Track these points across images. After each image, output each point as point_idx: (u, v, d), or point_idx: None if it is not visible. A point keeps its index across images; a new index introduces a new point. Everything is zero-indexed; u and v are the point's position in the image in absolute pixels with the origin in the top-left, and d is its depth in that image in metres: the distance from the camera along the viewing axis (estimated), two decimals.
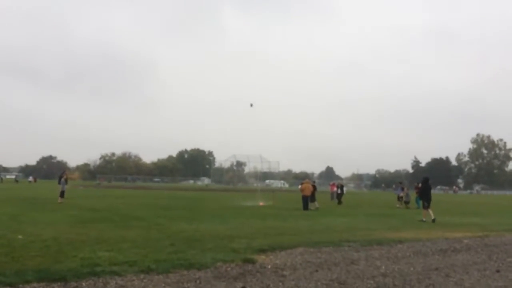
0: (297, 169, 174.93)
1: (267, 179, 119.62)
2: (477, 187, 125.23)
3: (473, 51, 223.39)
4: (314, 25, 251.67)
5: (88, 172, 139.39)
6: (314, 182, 31.34)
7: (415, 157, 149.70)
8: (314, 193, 27.51)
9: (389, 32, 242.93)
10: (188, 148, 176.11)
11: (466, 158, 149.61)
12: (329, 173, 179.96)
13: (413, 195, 33.35)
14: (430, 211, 19.57)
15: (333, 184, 42.67)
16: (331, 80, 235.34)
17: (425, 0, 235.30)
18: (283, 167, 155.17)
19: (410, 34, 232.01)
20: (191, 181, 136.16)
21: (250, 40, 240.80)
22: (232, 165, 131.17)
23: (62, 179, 27.77)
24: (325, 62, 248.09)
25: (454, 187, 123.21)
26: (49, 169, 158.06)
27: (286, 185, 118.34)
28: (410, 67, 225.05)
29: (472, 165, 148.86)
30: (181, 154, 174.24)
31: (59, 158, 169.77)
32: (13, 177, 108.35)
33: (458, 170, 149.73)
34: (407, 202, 32.43)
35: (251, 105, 33.23)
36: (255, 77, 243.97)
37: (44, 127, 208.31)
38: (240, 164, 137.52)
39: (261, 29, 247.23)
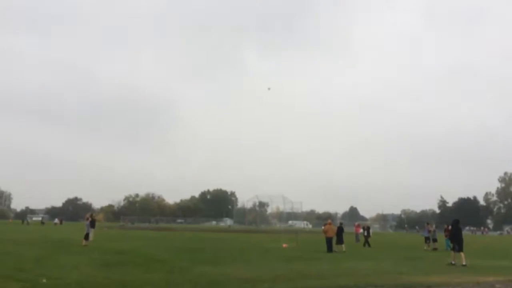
0: (320, 209, 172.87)
1: (290, 219, 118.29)
2: (507, 228, 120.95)
3: (495, 89, 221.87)
4: (335, 65, 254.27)
5: (112, 214, 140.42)
6: (341, 223, 30.71)
7: (442, 197, 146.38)
8: (342, 235, 26.94)
9: (410, 71, 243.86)
10: (211, 189, 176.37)
11: (494, 198, 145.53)
12: (353, 213, 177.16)
13: (440, 236, 32.44)
14: (462, 254, 18.89)
15: (358, 226, 41.79)
16: (353, 119, 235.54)
17: (446, 39, 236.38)
18: (306, 207, 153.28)
19: (431, 72, 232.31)
20: (214, 222, 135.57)
21: (270, 81, 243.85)
22: (254, 205, 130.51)
23: (87, 222, 28.00)
24: (346, 102, 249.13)
25: (482, 228, 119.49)
26: (74, 211, 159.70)
27: (310, 226, 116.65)
28: (431, 105, 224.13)
29: (501, 204, 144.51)
30: (203, 194, 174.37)
31: (84, 199, 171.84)
32: (39, 219, 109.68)
33: (486, 210, 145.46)
34: (434, 240, 31.56)
35: (269, 88, 33.58)
36: (276, 117, 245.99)
37: (70, 169, 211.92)
38: (262, 205, 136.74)
39: (281, 70, 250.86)
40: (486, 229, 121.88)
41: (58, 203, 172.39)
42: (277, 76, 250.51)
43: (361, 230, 37.42)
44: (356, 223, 48.92)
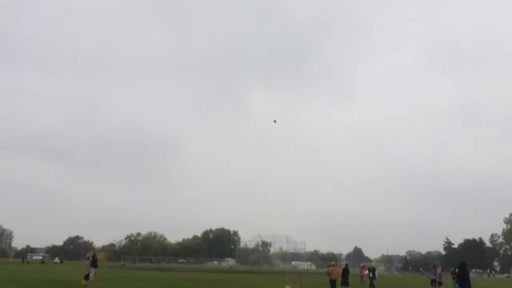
0: (324, 250, 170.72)
1: (293, 260, 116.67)
2: None
3: (499, 130, 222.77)
4: (337, 104, 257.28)
5: (113, 253, 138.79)
6: (346, 264, 30.25)
7: (447, 238, 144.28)
8: (347, 276, 26.49)
9: (413, 111, 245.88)
10: (213, 228, 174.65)
11: (501, 239, 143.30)
12: (357, 254, 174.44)
13: (446, 278, 31.88)
14: None
15: (363, 267, 41.10)
16: (356, 158, 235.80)
17: (448, 80, 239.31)
18: (309, 248, 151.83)
19: (434, 113, 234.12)
20: (216, 262, 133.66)
21: (273, 119, 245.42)
22: (257, 245, 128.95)
23: (88, 261, 27.73)
24: (349, 141, 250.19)
25: (489, 270, 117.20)
26: (75, 250, 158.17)
27: (313, 267, 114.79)
28: (434, 144, 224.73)
29: (507, 246, 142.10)
30: (206, 233, 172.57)
31: (85, 238, 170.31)
32: (40, 258, 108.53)
33: (493, 252, 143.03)
34: (440, 283, 31.02)
35: (275, 121, 33.24)
36: (280, 156, 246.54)
37: (72, 207, 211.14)
38: (265, 245, 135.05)
39: (285, 109, 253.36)
40: (492, 271, 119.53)
41: (59, 241, 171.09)
42: (280, 116, 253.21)
43: (366, 272, 36.80)
44: (361, 264, 48.03)
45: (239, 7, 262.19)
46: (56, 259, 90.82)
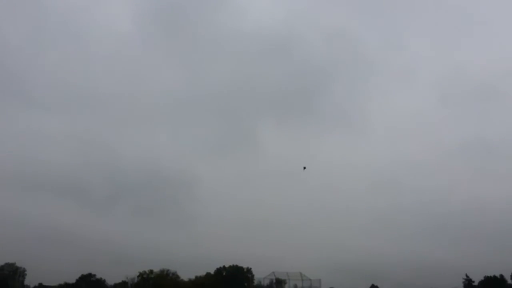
0: (340, 287, 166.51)
1: None
2: None
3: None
4: (351, 141, 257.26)
5: None
6: None
7: (467, 275, 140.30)
8: None
9: (426, 147, 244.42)
10: (227, 265, 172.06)
11: None
12: None
13: None
14: None
15: None
16: (370, 194, 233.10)
17: (459, 115, 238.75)
18: (324, 286, 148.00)
19: (448, 149, 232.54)
20: None
21: (286, 158, 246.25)
22: (271, 283, 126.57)
23: None
24: (363, 177, 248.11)
25: None
26: None
27: None
28: (450, 182, 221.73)
29: None
30: (219, 271, 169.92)
31: (98, 276, 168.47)
32: None
33: None
34: None
35: (304, 168, 34.14)
36: (293, 192, 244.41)
37: (85, 245, 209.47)
38: (279, 282, 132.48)
39: (297, 147, 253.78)
40: None
41: (72, 279, 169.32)
42: (293, 153, 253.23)
43: None
44: None
45: (251, 48, 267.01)
46: None
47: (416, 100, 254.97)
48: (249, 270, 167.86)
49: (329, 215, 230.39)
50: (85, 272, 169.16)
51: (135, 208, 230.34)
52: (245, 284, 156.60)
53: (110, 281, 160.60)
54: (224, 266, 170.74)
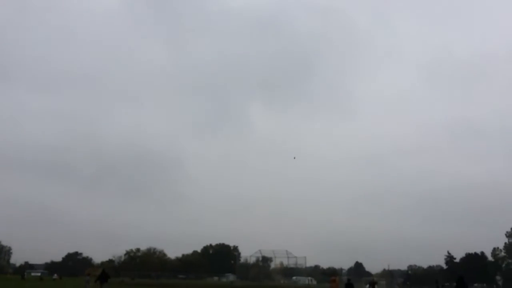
0: (325, 264, 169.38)
1: (294, 275, 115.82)
2: None
3: (499, 143, 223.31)
4: (337, 121, 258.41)
5: (112, 269, 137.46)
6: (349, 279, 30.03)
7: (449, 252, 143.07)
8: None
9: (413, 126, 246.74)
10: (213, 243, 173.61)
11: (503, 253, 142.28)
12: (358, 269, 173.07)
13: None
14: None
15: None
16: (357, 174, 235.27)
17: (446, 96, 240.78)
18: (310, 263, 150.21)
19: (434, 128, 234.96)
20: (216, 278, 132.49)
21: (274, 137, 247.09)
22: (257, 260, 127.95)
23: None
24: (349, 156, 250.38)
25: (484, 284, 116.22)
26: (74, 266, 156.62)
27: (314, 282, 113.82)
28: (435, 160, 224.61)
29: (510, 260, 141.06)
30: (206, 249, 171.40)
31: (84, 254, 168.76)
32: (38, 274, 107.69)
33: (495, 266, 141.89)
34: None
35: (294, 158, 34.65)
36: (280, 171, 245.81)
37: (71, 223, 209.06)
38: (266, 260, 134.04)
39: (285, 126, 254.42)
40: (494, 286, 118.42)
41: (58, 258, 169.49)
42: (280, 132, 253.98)
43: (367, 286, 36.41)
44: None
45: (238, 26, 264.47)
46: (55, 276, 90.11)
47: (403, 80, 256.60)
48: (235, 248, 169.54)
49: (315, 194, 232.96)
50: (72, 251, 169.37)
51: (122, 186, 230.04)
52: (232, 262, 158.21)
53: (97, 259, 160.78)
54: (210, 245, 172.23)
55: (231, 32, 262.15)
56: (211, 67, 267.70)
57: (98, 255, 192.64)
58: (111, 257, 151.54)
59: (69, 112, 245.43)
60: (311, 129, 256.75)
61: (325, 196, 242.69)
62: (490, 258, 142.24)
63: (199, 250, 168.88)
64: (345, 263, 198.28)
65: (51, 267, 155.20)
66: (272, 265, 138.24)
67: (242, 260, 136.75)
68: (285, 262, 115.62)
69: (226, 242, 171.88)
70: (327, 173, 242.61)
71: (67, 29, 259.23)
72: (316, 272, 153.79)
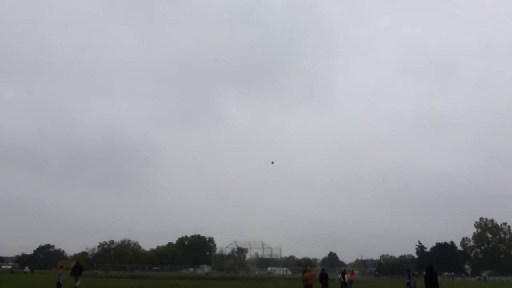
0: (299, 255, 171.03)
1: (269, 266, 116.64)
2: (484, 273, 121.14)
3: (469, 136, 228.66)
4: (313, 111, 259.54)
5: (85, 261, 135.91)
6: (323, 269, 30.32)
7: (420, 242, 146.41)
8: (327, 282, 26.44)
9: (385, 119, 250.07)
10: (188, 235, 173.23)
11: (471, 243, 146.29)
12: (332, 259, 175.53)
13: (419, 282, 32.30)
14: None
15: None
16: (329, 165, 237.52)
17: (418, 89, 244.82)
18: (285, 254, 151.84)
19: (406, 121, 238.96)
20: (191, 269, 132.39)
21: (249, 127, 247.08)
22: (233, 252, 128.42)
23: (60, 270, 27.16)
24: (323, 147, 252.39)
25: (452, 273, 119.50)
26: (46, 259, 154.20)
27: (289, 273, 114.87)
28: (407, 152, 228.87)
29: (478, 250, 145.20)
30: (181, 241, 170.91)
31: (56, 247, 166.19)
32: (9, 267, 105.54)
33: (464, 255, 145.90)
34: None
35: (272, 162, 34.62)
36: (254, 162, 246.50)
37: (43, 215, 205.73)
38: (241, 251, 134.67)
39: (260, 117, 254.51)
40: (463, 274, 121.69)
41: (29, 250, 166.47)
42: (256, 123, 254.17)
43: (347, 275, 36.67)
44: (351, 269, 47.18)
45: (214, 16, 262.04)
46: (26, 269, 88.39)
47: (377, 73, 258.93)
48: (211, 240, 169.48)
49: (290, 185, 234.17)
50: (43, 243, 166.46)
51: (95, 178, 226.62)
52: (207, 253, 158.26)
53: (70, 251, 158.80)
54: (186, 236, 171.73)
55: (206, 20, 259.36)
56: (185, 57, 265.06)
57: (71, 247, 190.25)
58: (84, 250, 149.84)
59: (42, 102, 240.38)
60: (286, 120, 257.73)
61: (300, 187, 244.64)
62: (459, 247, 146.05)
63: (174, 242, 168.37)
64: (319, 254, 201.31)
65: (22, 260, 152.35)
66: (248, 256, 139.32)
67: (217, 251, 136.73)
68: (260, 253, 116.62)
69: (202, 234, 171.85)
70: (302, 165, 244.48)
71: (37, 18, 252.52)
72: (291, 262, 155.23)
